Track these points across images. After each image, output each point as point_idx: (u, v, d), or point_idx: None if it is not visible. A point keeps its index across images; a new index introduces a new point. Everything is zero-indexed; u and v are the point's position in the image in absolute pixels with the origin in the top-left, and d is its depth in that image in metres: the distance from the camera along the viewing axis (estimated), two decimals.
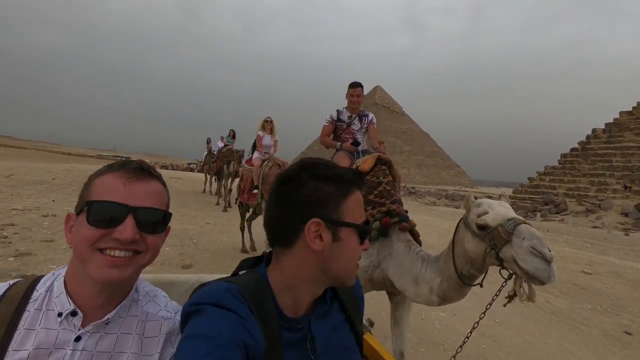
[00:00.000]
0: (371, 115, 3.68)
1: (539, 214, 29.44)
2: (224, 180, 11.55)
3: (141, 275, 1.23)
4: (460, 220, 1.89)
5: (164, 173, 20.12)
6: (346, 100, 3.61)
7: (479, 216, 1.71)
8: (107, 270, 0.77)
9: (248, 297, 0.78)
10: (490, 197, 2.05)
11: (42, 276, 0.86)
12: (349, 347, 0.94)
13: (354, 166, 2.89)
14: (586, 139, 42.61)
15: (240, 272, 0.90)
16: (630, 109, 40.66)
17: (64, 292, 0.81)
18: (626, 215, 30.54)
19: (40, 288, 0.83)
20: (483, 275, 1.83)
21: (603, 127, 42.21)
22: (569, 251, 10.13)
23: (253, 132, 6.59)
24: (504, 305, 1.70)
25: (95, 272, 0.77)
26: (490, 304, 1.75)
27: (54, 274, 0.86)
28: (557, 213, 34.54)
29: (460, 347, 1.78)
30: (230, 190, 11.35)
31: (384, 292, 2.56)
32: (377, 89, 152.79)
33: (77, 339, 0.79)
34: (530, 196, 40.77)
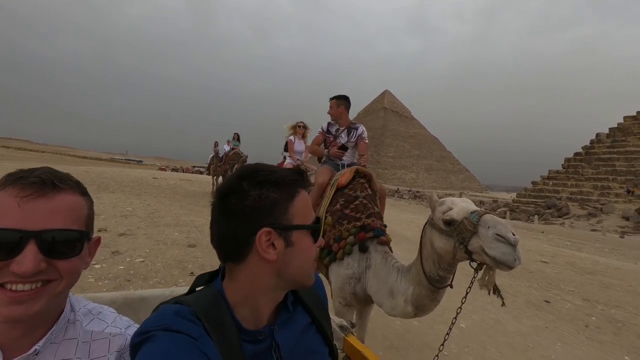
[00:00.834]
0: (362, 129, 3.48)
1: (536, 216, 29.95)
2: None
3: (102, 294, 1.15)
4: (426, 223, 1.91)
5: (174, 176, 21.44)
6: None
7: (444, 213, 1.73)
8: (10, 307, 0.67)
9: (202, 316, 0.74)
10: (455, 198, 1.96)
11: None
12: (316, 350, 0.92)
13: (333, 179, 2.85)
14: (590, 143, 42.77)
15: (197, 289, 0.86)
16: (635, 114, 40.75)
17: None
18: (627, 219, 30.78)
19: None
20: (452, 276, 1.85)
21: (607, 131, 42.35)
22: (543, 246, 10.98)
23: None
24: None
25: None
26: (465, 298, 1.80)
27: None
28: (559, 217, 34.84)
29: (442, 345, 1.82)
30: None
31: None
32: (385, 93, 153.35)
33: None
34: (534, 200, 41.06)
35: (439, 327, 3.90)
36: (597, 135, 42.89)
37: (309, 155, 5.75)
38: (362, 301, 2.39)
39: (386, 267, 2.17)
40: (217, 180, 14.61)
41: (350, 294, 2.34)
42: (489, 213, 1.63)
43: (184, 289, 1.09)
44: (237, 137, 14.00)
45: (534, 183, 44.78)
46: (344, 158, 3.32)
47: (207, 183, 17.07)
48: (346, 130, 3.43)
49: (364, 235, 2.32)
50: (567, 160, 43.39)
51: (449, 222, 1.68)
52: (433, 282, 1.83)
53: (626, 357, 3.77)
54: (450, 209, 1.71)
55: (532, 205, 39.45)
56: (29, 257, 0.67)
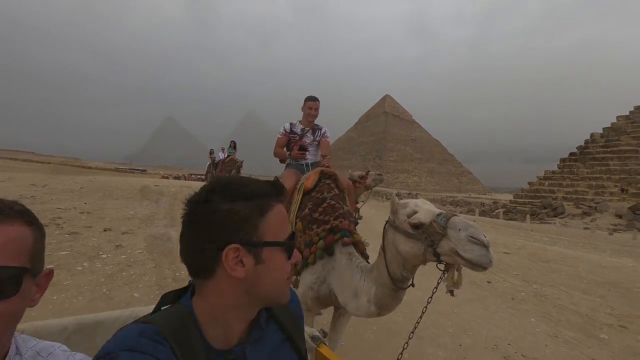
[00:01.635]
0: (325, 129, 3.57)
1: (529, 216, 30.64)
2: None
3: (52, 321, 1.12)
4: (386, 224, 1.90)
5: (176, 183, 22.43)
6: (302, 113, 3.59)
7: (409, 216, 1.71)
8: None
9: (169, 336, 0.71)
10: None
11: None
12: None
13: (299, 183, 2.87)
14: (584, 143, 43.36)
15: (163, 307, 0.81)
16: (627, 113, 41.38)
17: None
18: (620, 217, 31.31)
19: None
20: (413, 275, 1.89)
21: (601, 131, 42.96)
22: (515, 241, 11.76)
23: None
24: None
25: None
26: (431, 298, 1.84)
27: None
28: (555, 216, 35.41)
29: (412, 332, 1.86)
30: None
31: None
32: (386, 97, 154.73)
33: None
34: (531, 200, 41.61)
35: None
36: (591, 135, 43.49)
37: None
38: (327, 301, 2.39)
39: (351, 268, 2.17)
40: None
41: (313, 298, 2.34)
42: (456, 215, 1.65)
43: (147, 310, 1.04)
44: (233, 145, 14.88)
45: (530, 184, 45.36)
46: (308, 157, 3.39)
47: None
48: (311, 130, 3.52)
49: (332, 238, 2.33)
50: (563, 160, 43.98)
51: (417, 226, 1.67)
52: (397, 282, 1.87)
53: (533, 319, 4.61)
54: (415, 211, 1.70)
55: (529, 206, 39.97)
56: None
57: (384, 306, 1.96)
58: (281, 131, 3.58)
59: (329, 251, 2.32)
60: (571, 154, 43.67)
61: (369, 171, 5.03)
